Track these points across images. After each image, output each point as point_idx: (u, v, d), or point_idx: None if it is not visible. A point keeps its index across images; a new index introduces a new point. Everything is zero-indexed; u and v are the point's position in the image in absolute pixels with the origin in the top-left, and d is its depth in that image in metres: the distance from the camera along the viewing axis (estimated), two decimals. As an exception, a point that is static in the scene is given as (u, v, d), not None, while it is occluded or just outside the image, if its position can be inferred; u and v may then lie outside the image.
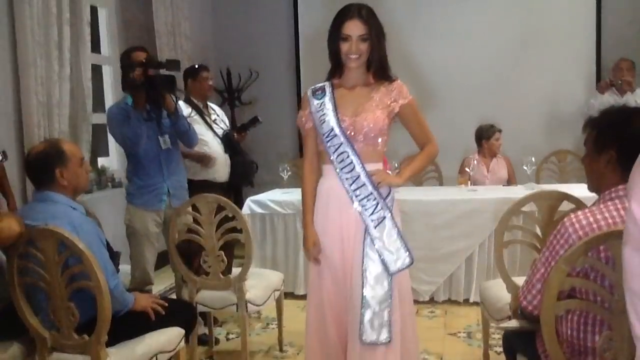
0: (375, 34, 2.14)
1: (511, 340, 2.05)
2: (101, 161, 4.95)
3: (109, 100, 5.02)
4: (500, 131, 4.65)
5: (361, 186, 2.15)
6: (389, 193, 2.21)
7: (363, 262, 2.12)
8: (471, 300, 3.93)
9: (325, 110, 2.20)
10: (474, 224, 3.87)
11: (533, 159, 4.11)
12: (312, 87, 2.30)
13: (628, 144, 1.58)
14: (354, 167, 2.15)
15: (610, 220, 1.54)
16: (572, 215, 1.61)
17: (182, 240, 2.93)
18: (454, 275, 4.00)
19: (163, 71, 3.03)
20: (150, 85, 2.92)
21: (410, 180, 2.46)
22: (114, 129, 3.11)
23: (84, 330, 2.12)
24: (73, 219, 2.15)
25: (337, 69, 2.25)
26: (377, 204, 2.14)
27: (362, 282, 2.11)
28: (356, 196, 2.15)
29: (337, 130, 2.16)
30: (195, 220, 2.89)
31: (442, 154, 5.09)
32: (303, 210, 2.31)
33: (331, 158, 2.19)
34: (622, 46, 5.24)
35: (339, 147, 2.16)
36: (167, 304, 2.40)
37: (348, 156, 2.16)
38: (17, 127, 3.59)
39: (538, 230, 2.47)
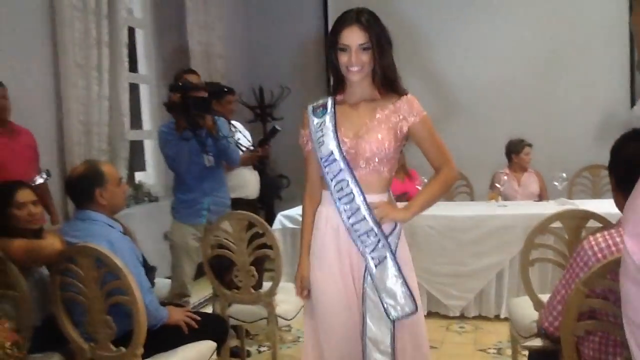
0: (378, 41, 1.85)
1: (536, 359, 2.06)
2: (138, 176, 5.11)
3: (146, 117, 5.21)
4: (530, 145, 4.63)
5: (361, 220, 1.88)
6: (394, 228, 1.93)
7: (363, 303, 1.91)
8: (502, 316, 3.91)
9: (324, 131, 1.92)
10: (504, 240, 3.86)
11: (564, 174, 4.08)
12: (314, 102, 2.03)
13: (620, 169, 1.64)
14: (354, 197, 1.88)
15: None
16: (591, 238, 1.63)
17: (214, 256, 3.02)
18: (485, 290, 3.99)
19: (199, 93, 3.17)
20: (186, 107, 3.05)
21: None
22: (160, 148, 3.29)
23: (121, 343, 2.22)
24: (111, 237, 2.27)
25: (339, 83, 1.98)
26: (378, 241, 1.88)
27: (363, 325, 1.92)
28: (355, 231, 1.88)
29: (336, 155, 1.89)
30: (227, 237, 2.98)
31: (473, 168, 5.18)
32: (300, 241, 2.08)
33: (329, 186, 1.92)
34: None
35: (338, 173, 1.89)
36: (199, 318, 2.49)
37: (347, 185, 1.88)
38: (58, 145, 3.76)
39: (565, 249, 2.48)
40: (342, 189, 1.89)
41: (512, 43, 5.60)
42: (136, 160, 5.09)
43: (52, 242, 2.20)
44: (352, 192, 1.89)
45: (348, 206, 1.89)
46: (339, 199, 1.90)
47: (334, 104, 1.97)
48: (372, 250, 1.89)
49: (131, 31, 4.84)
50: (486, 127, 5.56)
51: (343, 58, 1.86)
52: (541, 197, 4.56)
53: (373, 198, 1.91)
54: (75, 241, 2.23)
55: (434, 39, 5.71)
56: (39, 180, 3.10)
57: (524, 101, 5.55)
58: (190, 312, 2.54)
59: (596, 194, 4.91)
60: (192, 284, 3.43)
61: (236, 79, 5.86)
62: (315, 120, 1.96)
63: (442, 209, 4.17)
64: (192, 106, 3.07)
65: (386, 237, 1.89)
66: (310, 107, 2.01)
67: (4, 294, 2.26)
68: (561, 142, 5.40)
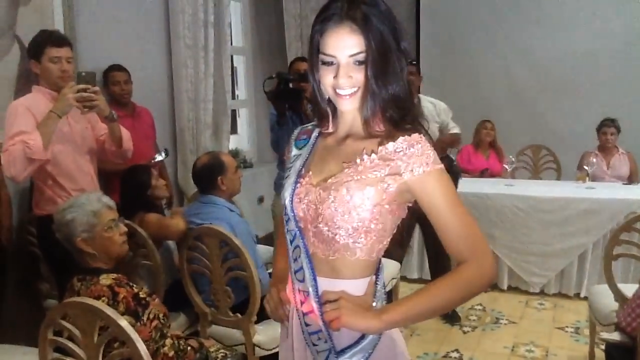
0: (380, 49, 1.14)
1: (613, 353, 2.22)
2: (232, 140, 5.40)
3: (242, 87, 5.54)
4: (614, 125, 4.54)
5: (310, 312, 1.25)
6: (360, 341, 1.22)
7: None
8: (582, 295, 4.01)
9: (292, 169, 1.34)
10: (589, 222, 3.93)
11: (656, 159, 4.04)
12: (306, 125, 1.41)
13: None
14: (304, 277, 1.25)
15: None
16: None
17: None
18: (566, 269, 4.08)
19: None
20: (281, 96, 3.30)
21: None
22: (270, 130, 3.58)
23: (237, 310, 2.58)
24: (232, 220, 2.61)
25: (320, 108, 1.29)
26: (328, 353, 1.24)
27: None
28: (306, 324, 1.26)
29: (288, 208, 1.28)
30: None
31: (562, 145, 5.18)
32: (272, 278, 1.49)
33: (288, 250, 1.32)
34: None
35: (294, 237, 1.29)
36: None
37: (300, 256, 1.27)
38: (171, 121, 4.15)
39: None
40: (296, 259, 1.28)
41: (611, 17, 5.40)
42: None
43: (177, 222, 2.57)
44: (302, 268, 1.26)
45: (302, 285, 1.27)
46: (295, 271, 1.29)
47: (319, 134, 1.34)
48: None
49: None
50: (579, 103, 5.47)
51: (327, 74, 1.19)
52: (631, 179, 4.51)
53: (334, 285, 1.23)
54: (201, 222, 2.58)
55: (531, 11, 5.61)
56: (159, 158, 3.49)
57: (620, 78, 5.37)
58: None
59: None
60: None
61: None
62: (294, 152, 1.37)
63: (528, 188, 4.27)
64: (285, 95, 3.32)
65: (337, 353, 1.23)
66: (296, 131, 1.42)
67: (137, 263, 2.66)
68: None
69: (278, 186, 3.70)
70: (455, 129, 4.22)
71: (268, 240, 4.28)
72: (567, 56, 5.52)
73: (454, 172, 3.70)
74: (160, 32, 4.00)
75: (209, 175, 2.69)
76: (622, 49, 5.36)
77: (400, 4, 6.24)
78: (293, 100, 3.32)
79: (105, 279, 1.91)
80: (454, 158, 3.94)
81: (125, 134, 2.70)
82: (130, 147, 2.73)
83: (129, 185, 2.79)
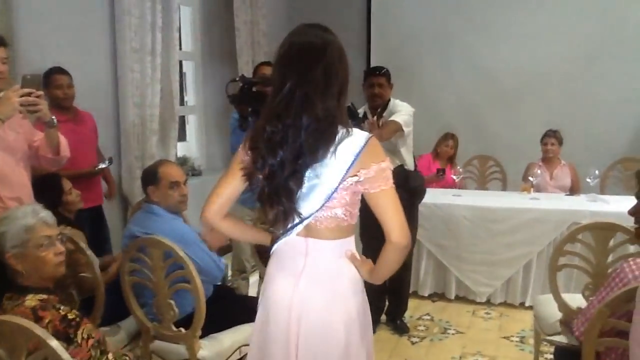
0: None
1: (561, 356, 2.25)
2: (180, 147, 5.27)
3: (191, 93, 5.42)
4: (555, 136, 4.68)
5: None
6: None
7: None
8: (527, 304, 4.09)
9: None
10: (534, 232, 4.01)
11: (597, 171, 4.17)
12: None
13: None
14: None
15: None
16: (631, 261, 1.79)
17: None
18: (512, 279, 4.16)
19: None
20: (244, 100, 3.23)
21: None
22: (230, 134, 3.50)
23: (181, 324, 2.48)
24: (175, 228, 2.51)
25: None
26: None
27: None
28: None
29: None
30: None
31: (508, 155, 5.27)
32: None
33: None
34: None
35: None
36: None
37: None
38: (115, 127, 4.00)
39: (592, 256, 2.63)
40: None
41: (557, 31, 5.52)
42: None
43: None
44: None
45: None
46: None
47: None
48: None
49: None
50: (524, 115, 5.58)
51: None
52: (573, 190, 4.64)
53: None
54: (145, 231, 2.48)
55: (478, 25, 5.72)
56: (102, 166, 3.39)
57: (565, 91, 5.51)
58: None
59: (629, 187, 4.95)
60: (250, 260, 3.69)
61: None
62: None
63: (476, 199, 4.33)
64: (248, 99, 3.25)
65: None
66: None
67: (77, 277, 2.52)
68: (600, 134, 5.37)
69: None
70: (396, 118, 3.53)
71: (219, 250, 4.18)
72: (514, 68, 5.63)
73: (409, 189, 3.47)
74: (105, 35, 3.86)
75: (142, 183, 2.64)
76: (567, 61, 5.49)
77: (351, 20, 6.29)
78: (256, 104, 3.25)
79: (31, 300, 1.78)
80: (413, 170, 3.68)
81: (63, 140, 2.57)
82: (67, 154, 2.59)
83: (40, 197, 2.54)
